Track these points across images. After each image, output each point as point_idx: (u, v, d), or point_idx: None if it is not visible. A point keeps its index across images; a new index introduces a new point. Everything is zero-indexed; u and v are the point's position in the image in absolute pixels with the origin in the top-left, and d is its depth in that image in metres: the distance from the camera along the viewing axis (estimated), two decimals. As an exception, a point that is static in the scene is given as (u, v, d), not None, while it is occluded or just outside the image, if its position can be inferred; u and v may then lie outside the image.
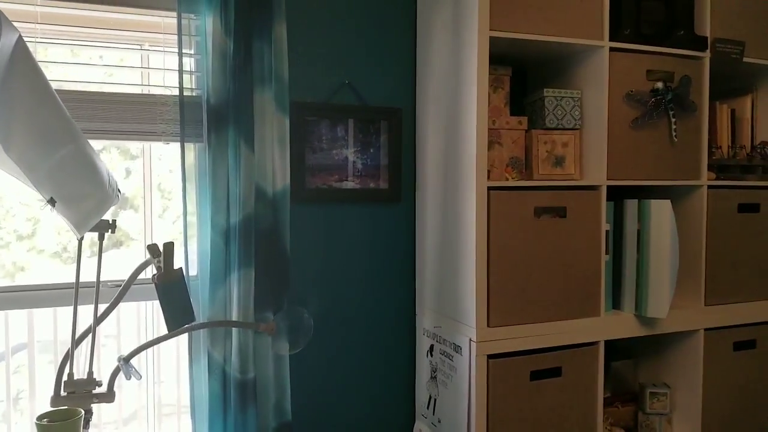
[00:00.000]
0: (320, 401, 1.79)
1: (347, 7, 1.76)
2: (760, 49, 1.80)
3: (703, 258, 1.75)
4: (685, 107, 1.68)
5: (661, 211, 1.63)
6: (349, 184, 1.77)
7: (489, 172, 1.58)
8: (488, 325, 1.52)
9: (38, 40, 1.50)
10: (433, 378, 1.73)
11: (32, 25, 1.50)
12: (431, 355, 1.74)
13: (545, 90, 1.62)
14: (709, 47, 1.71)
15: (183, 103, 1.54)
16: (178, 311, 1.39)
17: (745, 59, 1.76)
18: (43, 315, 2.42)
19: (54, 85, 1.49)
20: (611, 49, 1.61)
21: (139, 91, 1.59)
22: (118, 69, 1.68)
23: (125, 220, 2.28)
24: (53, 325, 2.45)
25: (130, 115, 1.55)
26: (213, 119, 1.53)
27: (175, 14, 1.52)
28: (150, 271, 1.46)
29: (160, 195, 1.81)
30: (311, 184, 1.73)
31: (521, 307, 1.55)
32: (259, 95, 1.56)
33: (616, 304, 1.74)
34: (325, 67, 1.74)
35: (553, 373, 1.59)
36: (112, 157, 2.11)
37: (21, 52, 1.02)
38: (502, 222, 1.51)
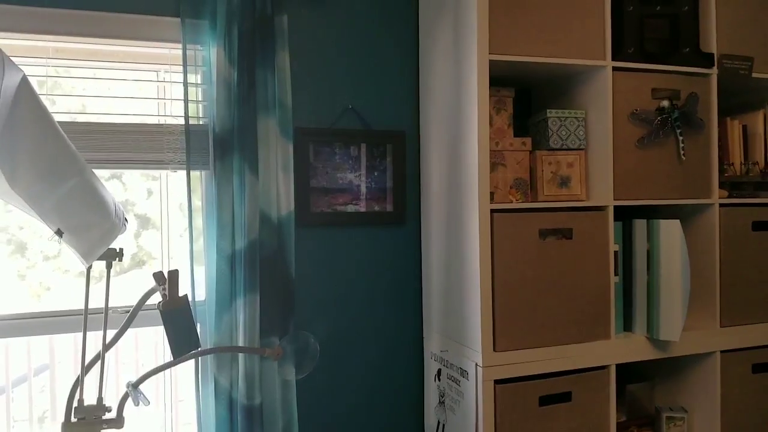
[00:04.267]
0: (328, 426, 1.78)
1: (349, 33, 1.78)
2: (770, 64, 1.77)
3: (717, 278, 1.71)
4: (693, 125, 1.65)
5: (670, 231, 1.60)
6: (354, 208, 1.77)
7: (493, 194, 1.57)
8: (494, 350, 1.50)
9: (50, 74, 1.55)
10: (441, 403, 1.71)
11: (44, 60, 1.55)
12: (439, 380, 1.72)
13: (548, 111, 1.61)
14: (715, 64, 1.69)
15: (189, 131, 1.57)
16: (183, 338, 1.40)
17: (754, 75, 1.73)
18: (64, 337, 2.47)
19: (64, 117, 1.54)
20: (614, 69, 1.60)
21: (148, 121, 1.63)
22: (127, 100, 1.73)
23: (147, 239, 2.32)
24: (74, 346, 2.50)
25: (139, 145, 1.59)
26: (218, 147, 1.55)
27: (180, 46, 1.56)
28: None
29: (182, 215, 1.84)
30: (316, 208, 1.74)
31: (528, 331, 1.53)
32: (263, 122, 1.58)
33: (627, 326, 1.70)
34: (328, 93, 1.76)
35: (563, 398, 1.56)
36: (135, 178, 2.16)
37: (25, 90, 1.05)
38: (506, 244, 1.50)
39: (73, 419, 1.38)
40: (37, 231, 2.17)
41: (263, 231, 1.58)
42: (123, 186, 2.23)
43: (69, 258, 2.25)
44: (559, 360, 1.55)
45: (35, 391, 2.61)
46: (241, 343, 1.57)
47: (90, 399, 1.38)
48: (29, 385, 2.59)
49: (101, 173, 1.86)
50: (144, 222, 2.29)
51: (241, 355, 1.56)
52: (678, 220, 1.59)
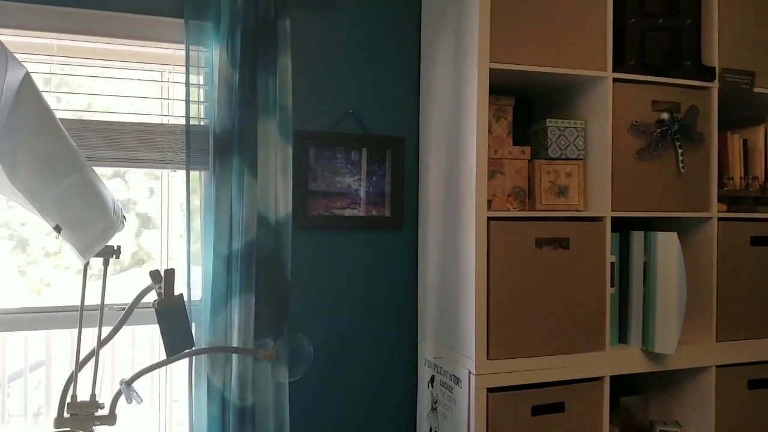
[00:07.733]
0: (320, 429, 1.78)
1: (351, 38, 1.79)
2: (772, 79, 1.77)
3: (714, 292, 1.70)
4: (693, 138, 1.65)
5: (667, 243, 1.60)
6: (352, 212, 1.78)
7: (490, 201, 1.58)
8: (488, 358, 1.49)
9: (54, 71, 1.57)
10: (434, 410, 1.71)
11: (48, 57, 1.57)
12: (432, 386, 1.72)
13: (548, 120, 1.62)
14: (717, 77, 1.69)
15: (189, 132, 1.58)
16: (177, 337, 1.41)
17: (755, 89, 1.73)
18: (61, 333, 2.48)
19: (68, 115, 1.55)
20: (615, 80, 1.60)
21: (151, 121, 1.64)
22: (131, 99, 1.74)
23: (148, 239, 2.33)
24: (70, 343, 2.50)
25: (140, 144, 1.60)
26: (218, 148, 1.56)
27: (184, 47, 1.57)
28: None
29: (182, 215, 1.85)
30: (314, 211, 1.74)
31: (523, 340, 1.52)
32: (263, 125, 1.59)
33: (622, 338, 1.70)
34: (329, 97, 1.77)
35: (556, 409, 1.55)
36: (138, 177, 2.18)
37: (27, 87, 1.06)
38: (502, 253, 1.50)
39: (65, 415, 1.39)
40: (39, 227, 2.19)
41: (260, 232, 1.59)
42: (126, 184, 2.24)
43: (70, 255, 2.27)
44: (553, 370, 1.55)
45: (31, 387, 2.62)
46: (235, 344, 1.57)
47: (84, 395, 1.39)
48: (25, 381, 2.60)
49: (104, 171, 1.87)
50: (145, 221, 2.29)
51: (234, 356, 1.57)
52: (675, 233, 1.59)
